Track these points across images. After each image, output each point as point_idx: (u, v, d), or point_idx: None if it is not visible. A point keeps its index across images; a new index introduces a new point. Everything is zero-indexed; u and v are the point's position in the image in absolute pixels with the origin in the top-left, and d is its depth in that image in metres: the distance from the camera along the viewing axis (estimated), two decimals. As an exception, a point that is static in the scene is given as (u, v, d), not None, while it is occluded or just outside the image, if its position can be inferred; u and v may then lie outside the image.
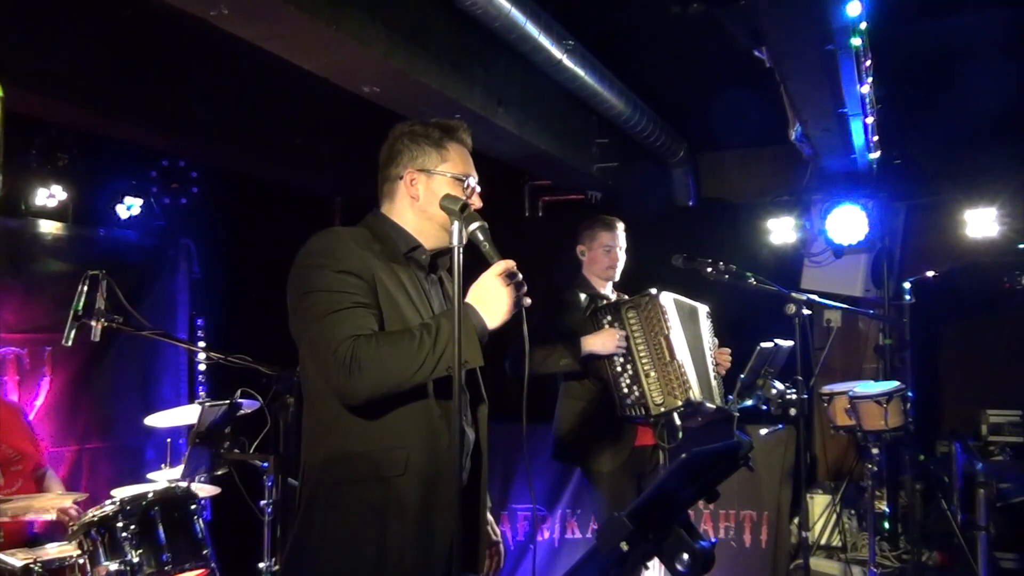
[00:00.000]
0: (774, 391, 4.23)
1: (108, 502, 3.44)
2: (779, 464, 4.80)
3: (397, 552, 2.07)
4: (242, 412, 4.03)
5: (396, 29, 3.42)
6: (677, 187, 6.46)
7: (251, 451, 3.96)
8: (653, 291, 3.58)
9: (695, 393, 3.49)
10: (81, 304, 3.56)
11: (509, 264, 2.09)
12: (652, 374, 3.51)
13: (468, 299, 2.09)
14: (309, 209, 6.26)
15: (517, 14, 3.62)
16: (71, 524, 3.54)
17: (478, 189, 2.30)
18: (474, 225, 2.11)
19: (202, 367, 5.49)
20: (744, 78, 4.53)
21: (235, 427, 4.04)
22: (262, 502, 3.98)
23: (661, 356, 3.51)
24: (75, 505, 3.67)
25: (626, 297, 3.83)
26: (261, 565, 3.97)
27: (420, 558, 2.08)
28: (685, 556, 1.95)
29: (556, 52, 4.02)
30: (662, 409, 3.50)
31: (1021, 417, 5.38)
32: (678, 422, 3.65)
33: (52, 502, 3.63)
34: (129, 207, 5.22)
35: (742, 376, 4.24)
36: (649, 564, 2.06)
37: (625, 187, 5.96)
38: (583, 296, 3.77)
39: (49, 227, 4.95)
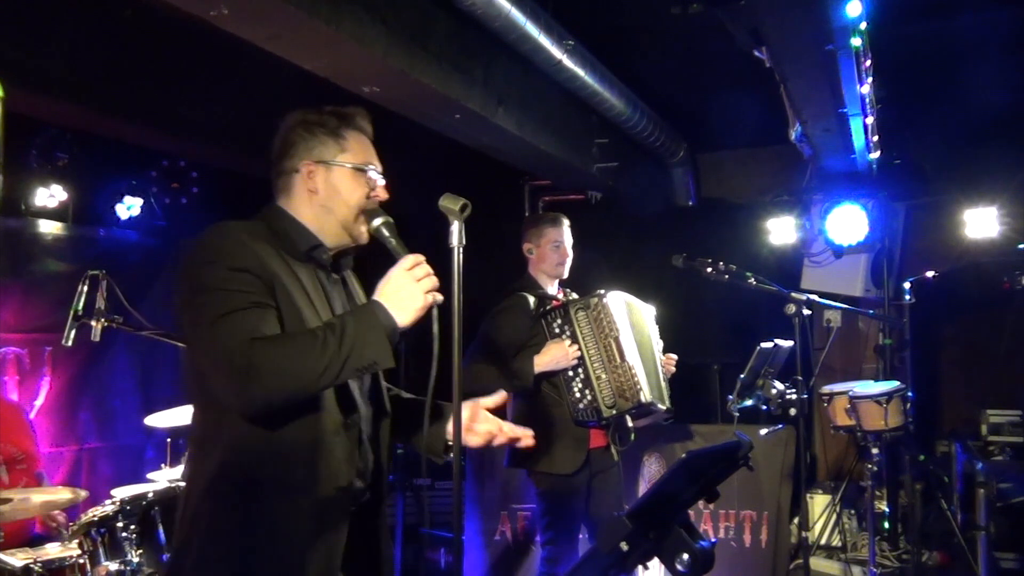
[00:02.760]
0: (774, 391, 4.23)
1: (108, 502, 3.44)
2: (779, 464, 4.79)
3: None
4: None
5: (396, 29, 3.42)
6: (677, 187, 6.47)
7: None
8: (602, 292, 3.55)
9: (646, 394, 3.48)
10: (81, 304, 3.56)
11: (418, 258, 1.96)
12: (603, 376, 3.48)
13: (376, 296, 1.95)
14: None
15: (517, 14, 3.62)
16: (57, 528, 3.55)
17: (382, 181, 2.13)
18: (378, 220, 2.03)
19: (202, 367, 5.48)
20: (744, 78, 4.52)
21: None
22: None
23: (611, 358, 3.48)
24: (63, 512, 3.67)
25: (575, 297, 3.78)
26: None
27: None
28: (685, 556, 1.95)
29: (556, 52, 4.02)
30: (614, 412, 3.48)
31: (1021, 417, 5.38)
32: (630, 424, 3.65)
33: (49, 498, 3.63)
34: (129, 207, 5.23)
35: (742, 376, 4.25)
36: (649, 564, 2.06)
37: (625, 187, 5.96)
38: (531, 298, 3.67)
39: (49, 227, 4.95)
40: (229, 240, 1.93)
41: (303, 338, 1.86)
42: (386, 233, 2.02)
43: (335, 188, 2.06)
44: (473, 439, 2.22)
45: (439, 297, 1.94)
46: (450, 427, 2.10)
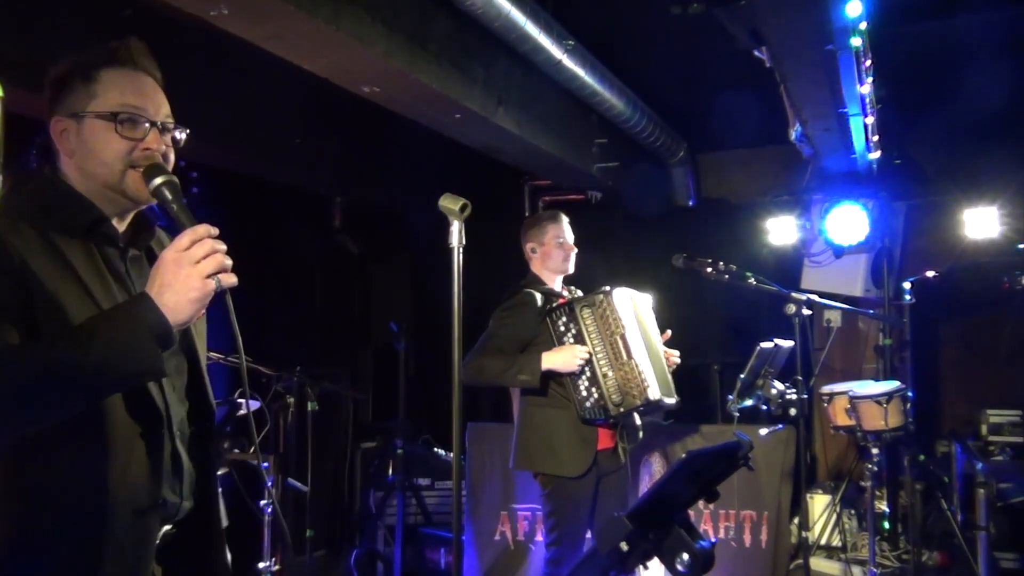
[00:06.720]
0: (774, 391, 4.24)
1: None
2: (779, 464, 4.79)
3: None
4: (242, 412, 4.03)
5: (396, 29, 3.42)
6: (677, 187, 6.47)
7: (251, 451, 3.97)
8: (607, 288, 3.55)
9: (654, 391, 3.47)
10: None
11: (197, 232, 1.51)
12: (610, 375, 3.47)
13: (147, 287, 1.51)
14: (309, 209, 6.26)
15: (517, 14, 3.62)
16: None
17: (170, 127, 1.74)
18: (157, 180, 1.61)
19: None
20: (744, 78, 4.52)
21: (235, 427, 4.04)
22: (262, 502, 3.98)
23: (618, 355, 3.48)
24: None
25: (579, 294, 3.78)
26: (260, 565, 3.98)
27: None
28: (685, 556, 1.95)
29: (556, 52, 4.02)
30: (621, 410, 3.47)
31: (1021, 417, 5.38)
32: (638, 421, 3.65)
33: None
34: (129, 207, 5.22)
35: (742, 376, 4.25)
36: (649, 564, 2.06)
37: (625, 187, 5.96)
38: (538, 296, 3.68)
39: (49, 227, 4.94)
40: None
41: (35, 354, 1.44)
42: (168, 196, 1.60)
43: (87, 145, 1.64)
44: None
45: (228, 280, 1.53)
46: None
